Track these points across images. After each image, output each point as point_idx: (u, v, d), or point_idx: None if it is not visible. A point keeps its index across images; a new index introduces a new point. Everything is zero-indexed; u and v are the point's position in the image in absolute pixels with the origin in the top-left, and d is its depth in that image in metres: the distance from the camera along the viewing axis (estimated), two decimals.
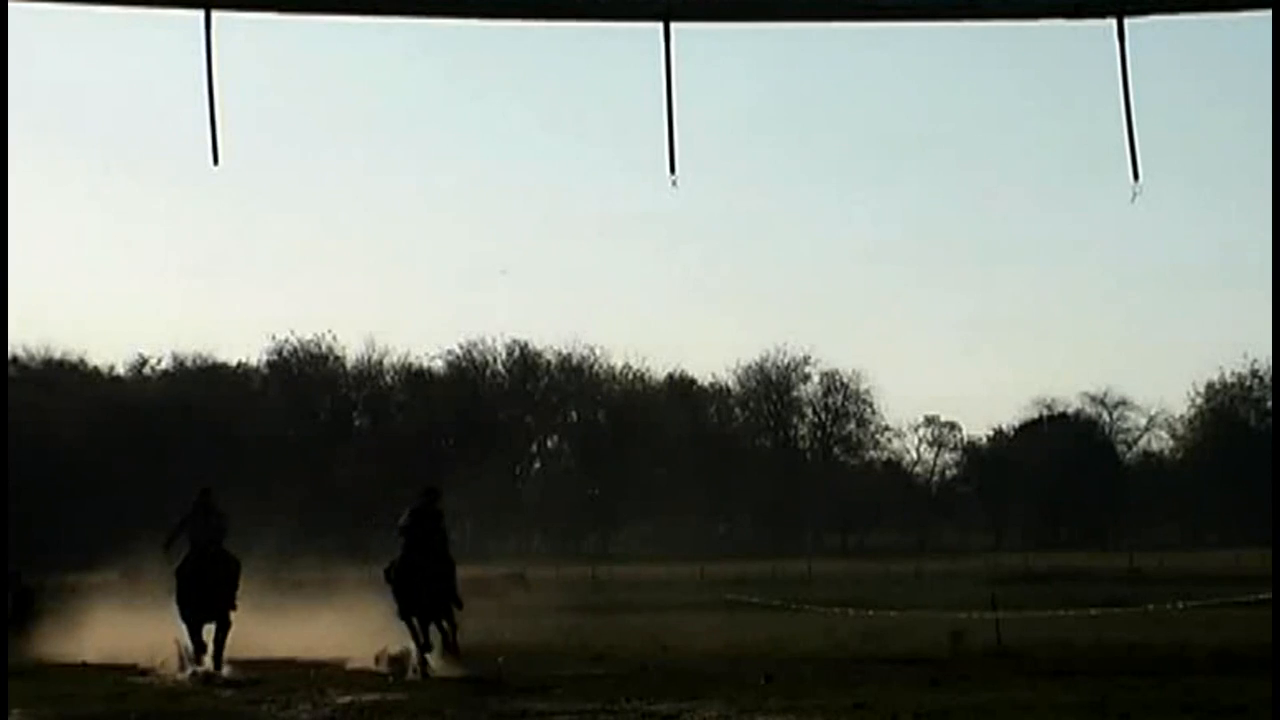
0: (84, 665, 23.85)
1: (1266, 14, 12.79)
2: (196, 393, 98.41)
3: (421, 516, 23.70)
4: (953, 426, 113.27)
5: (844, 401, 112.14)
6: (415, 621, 22.95)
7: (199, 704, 18.66)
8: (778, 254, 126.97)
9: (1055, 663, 21.49)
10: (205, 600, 23.10)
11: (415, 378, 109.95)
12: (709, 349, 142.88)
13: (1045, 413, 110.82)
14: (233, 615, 23.28)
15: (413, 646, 22.89)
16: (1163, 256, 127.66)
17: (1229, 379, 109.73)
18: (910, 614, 31.89)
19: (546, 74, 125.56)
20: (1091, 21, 12.98)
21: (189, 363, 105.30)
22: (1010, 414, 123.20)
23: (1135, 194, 13.17)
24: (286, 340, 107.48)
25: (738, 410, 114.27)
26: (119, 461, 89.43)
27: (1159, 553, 76.57)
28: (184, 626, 23.20)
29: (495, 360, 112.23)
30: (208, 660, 22.75)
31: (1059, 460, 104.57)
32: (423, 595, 23.03)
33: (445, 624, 23.10)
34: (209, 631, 23.00)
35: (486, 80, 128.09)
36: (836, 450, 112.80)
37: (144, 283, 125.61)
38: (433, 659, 22.49)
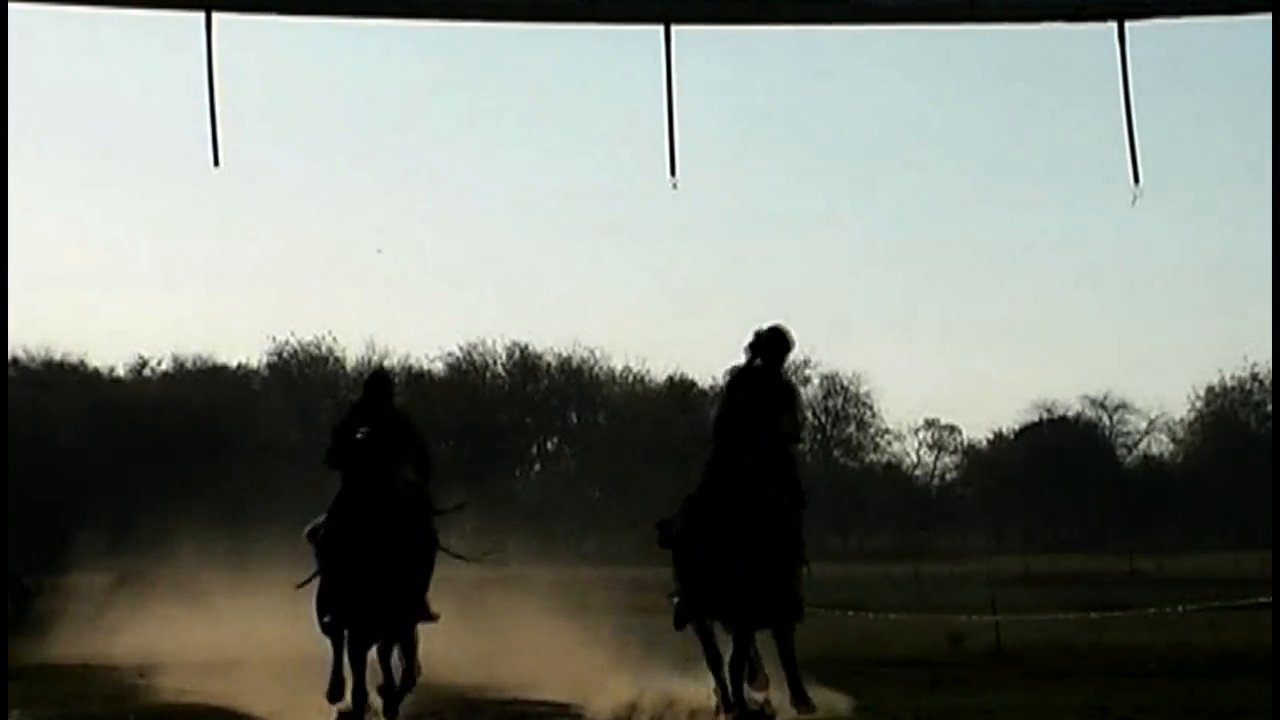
0: (84, 666, 23.81)
1: (1266, 17, 12.80)
2: (197, 394, 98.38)
3: (752, 393, 13.31)
4: (953, 429, 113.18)
5: (844, 404, 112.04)
6: (717, 630, 13.43)
7: (200, 704, 18.64)
8: (777, 256, 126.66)
9: (1055, 665, 21.49)
10: (378, 599, 13.77)
11: (415, 379, 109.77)
12: (709, 351, 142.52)
13: (1045, 416, 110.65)
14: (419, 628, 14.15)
15: (713, 685, 13.54)
16: (1163, 259, 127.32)
17: (1229, 382, 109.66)
18: (910, 616, 31.85)
19: (547, 76, 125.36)
20: (1092, 24, 12.99)
21: (189, 364, 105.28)
22: (1010, 417, 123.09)
23: (1136, 197, 13.20)
24: (287, 342, 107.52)
25: None
26: (119, 463, 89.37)
27: (1159, 555, 76.53)
28: (333, 646, 14.28)
29: (495, 362, 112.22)
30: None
31: (1059, 463, 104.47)
32: (741, 579, 12.84)
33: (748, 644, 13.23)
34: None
35: (487, 82, 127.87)
36: (836, 453, 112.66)
37: (144, 284, 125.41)
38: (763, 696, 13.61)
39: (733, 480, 13.21)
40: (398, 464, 14.02)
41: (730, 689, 13.49)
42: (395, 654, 14.57)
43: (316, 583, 14.48)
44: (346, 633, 14.12)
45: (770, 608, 13.20)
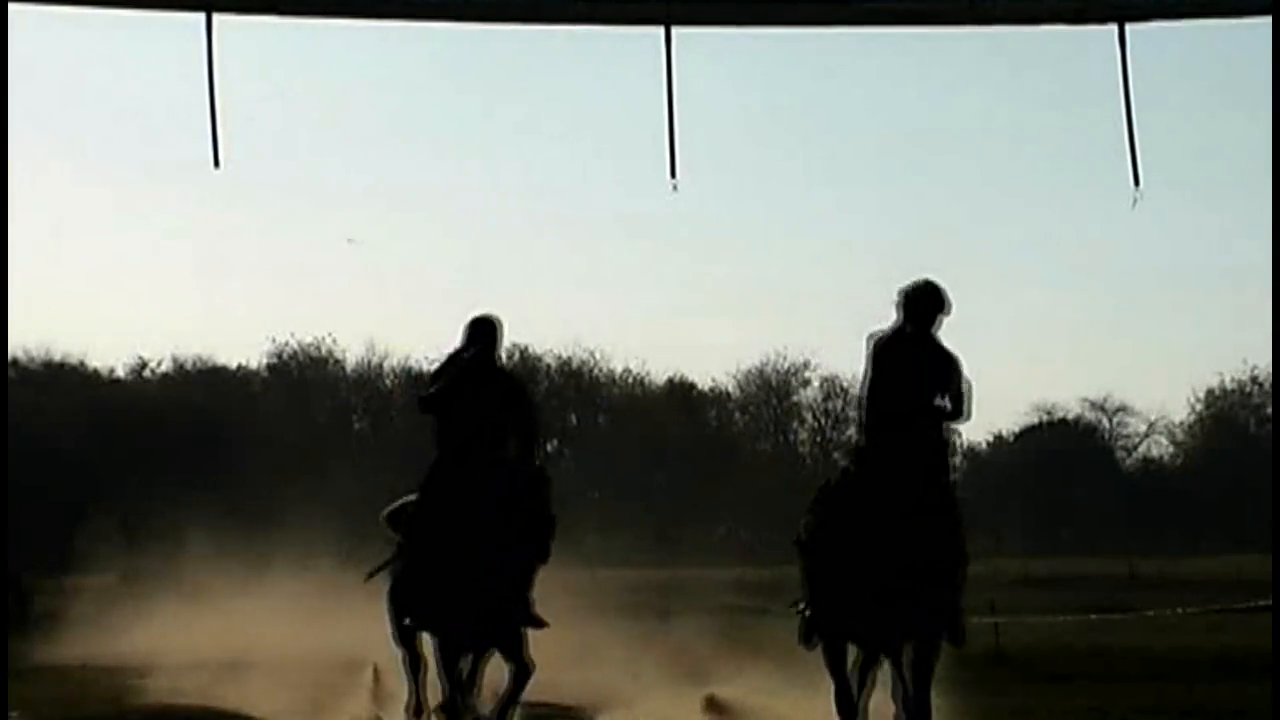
0: (84, 666, 23.79)
1: (1266, 20, 12.81)
2: (197, 394, 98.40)
3: (902, 364, 11.31)
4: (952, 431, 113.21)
5: (844, 406, 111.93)
6: (872, 647, 11.18)
7: (200, 705, 18.63)
8: (777, 257, 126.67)
9: (1055, 668, 21.49)
10: (475, 597, 11.38)
11: (416, 380, 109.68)
12: (709, 353, 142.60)
13: (1045, 418, 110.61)
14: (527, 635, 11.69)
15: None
16: (1163, 261, 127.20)
17: (1229, 385, 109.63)
18: None
19: (547, 77, 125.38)
20: (1093, 26, 13.00)
21: (189, 365, 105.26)
22: (1010, 419, 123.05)
23: (1136, 199, 13.21)
24: (287, 343, 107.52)
25: (737, 415, 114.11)
26: (119, 464, 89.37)
27: (1158, 558, 76.48)
28: (408, 655, 12.04)
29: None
30: None
31: (1058, 465, 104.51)
32: (883, 590, 10.66)
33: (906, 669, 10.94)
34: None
35: (487, 83, 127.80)
36: (836, 455, 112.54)
37: (144, 284, 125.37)
38: None
39: (877, 472, 11.14)
40: (505, 431, 11.75)
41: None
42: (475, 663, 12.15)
43: (389, 577, 12.02)
44: (436, 640, 11.70)
45: (915, 622, 10.91)
